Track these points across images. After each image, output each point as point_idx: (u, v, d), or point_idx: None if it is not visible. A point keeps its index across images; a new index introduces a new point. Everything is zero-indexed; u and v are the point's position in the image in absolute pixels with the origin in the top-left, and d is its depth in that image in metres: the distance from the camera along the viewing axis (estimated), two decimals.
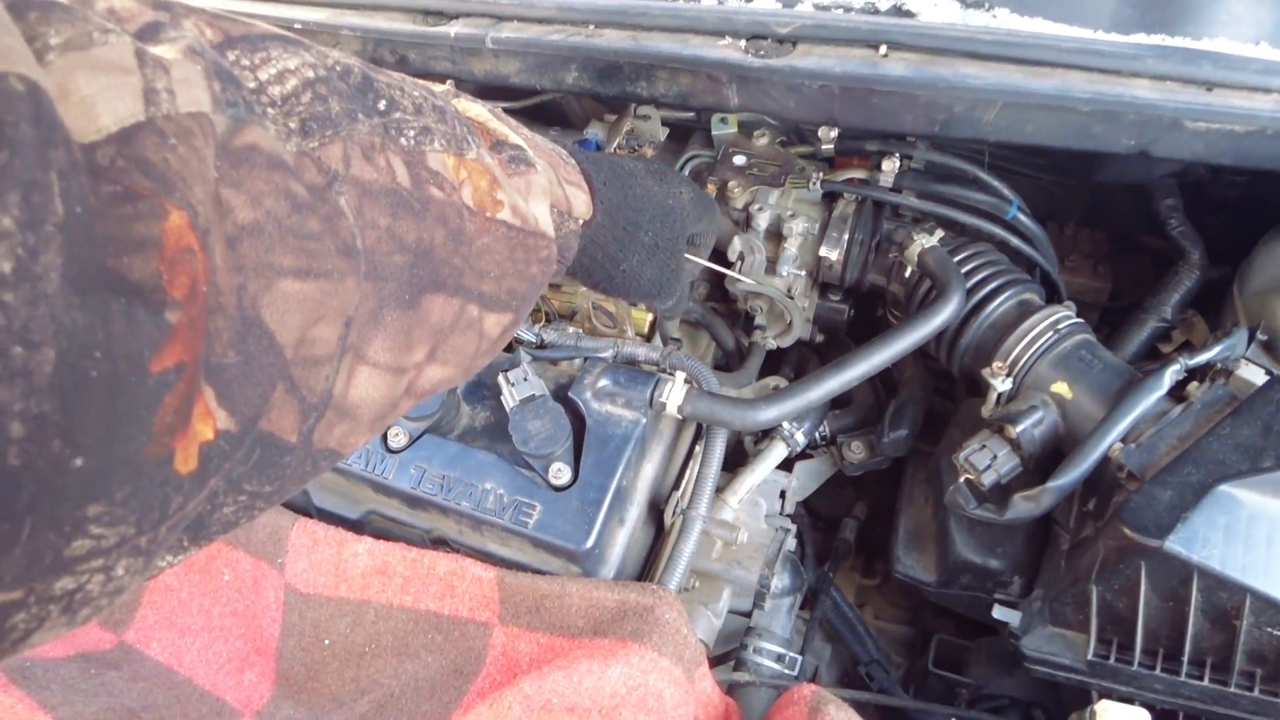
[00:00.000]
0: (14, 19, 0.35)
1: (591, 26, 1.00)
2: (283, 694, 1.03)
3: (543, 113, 1.43)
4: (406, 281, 0.55)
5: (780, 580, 1.12)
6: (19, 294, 0.31)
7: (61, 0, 0.39)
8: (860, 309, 1.29)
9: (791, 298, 1.19)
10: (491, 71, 1.08)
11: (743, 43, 0.95)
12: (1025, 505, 0.99)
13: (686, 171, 1.27)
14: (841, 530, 1.36)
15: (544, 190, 0.72)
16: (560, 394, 1.04)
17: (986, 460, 1.01)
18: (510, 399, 0.99)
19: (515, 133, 0.72)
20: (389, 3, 1.10)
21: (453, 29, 1.06)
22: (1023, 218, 1.16)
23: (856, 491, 1.44)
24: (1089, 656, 0.95)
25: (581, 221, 0.81)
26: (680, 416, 1.02)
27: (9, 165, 0.31)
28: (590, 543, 0.95)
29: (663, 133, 1.30)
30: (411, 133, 0.57)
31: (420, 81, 0.63)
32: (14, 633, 0.37)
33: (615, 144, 1.24)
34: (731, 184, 1.19)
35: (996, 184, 1.15)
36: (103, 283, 0.35)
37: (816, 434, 1.24)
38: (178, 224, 0.39)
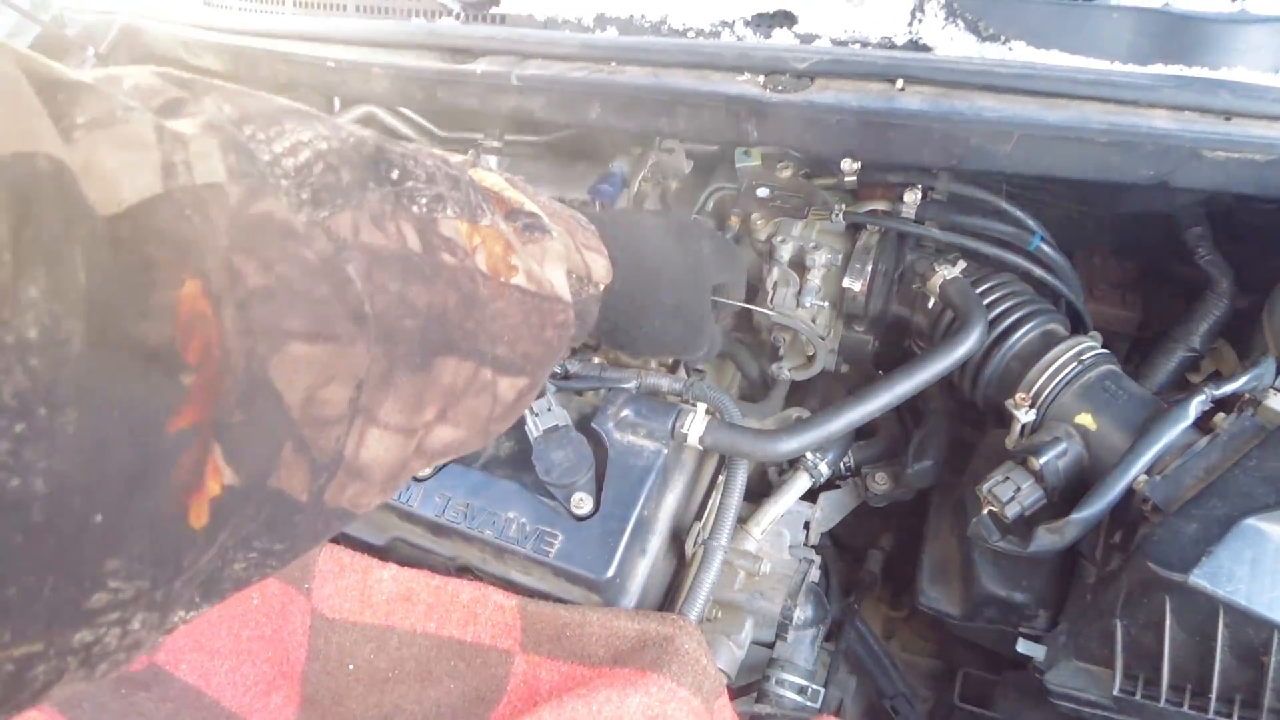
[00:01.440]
0: (44, 101, 0.38)
1: (613, 64, 1.02)
2: (307, 717, 1.04)
3: (569, 146, 1.45)
4: (418, 344, 0.56)
5: (803, 611, 1.12)
6: (44, 358, 0.33)
7: (88, 81, 0.42)
8: (887, 339, 1.29)
9: (816, 328, 1.20)
10: (517, 107, 1.11)
11: (761, 78, 0.97)
12: (1049, 538, 0.98)
13: (710, 204, 1.28)
14: (867, 561, 1.35)
15: (560, 256, 0.73)
16: (584, 424, 1.05)
17: (1010, 492, 1.00)
18: (534, 429, 1.00)
19: (531, 200, 0.74)
20: (418, 42, 1.13)
21: (479, 66, 1.08)
22: (1046, 248, 1.16)
23: (883, 522, 1.44)
24: (1115, 692, 0.94)
25: (602, 286, 0.82)
26: (701, 447, 1.03)
27: (35, 240, 0.33)
28: (611, 572, 0.96)
29: (687, 165, 1.31)
30: (424, 200, 0.58)
31: (436, 151, 0.65)
32: (34, 684, 0.38)
33: (640, 177, 1.26)
34: (755, 216, 1.20)
35: (1019, 214, 1.15)
36: (122, 347, 0.37)
37: (841, 465, 1.24)
38: (191, 291, 0.40)
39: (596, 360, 1.14)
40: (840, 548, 1.43)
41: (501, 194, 0.71)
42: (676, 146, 1.29)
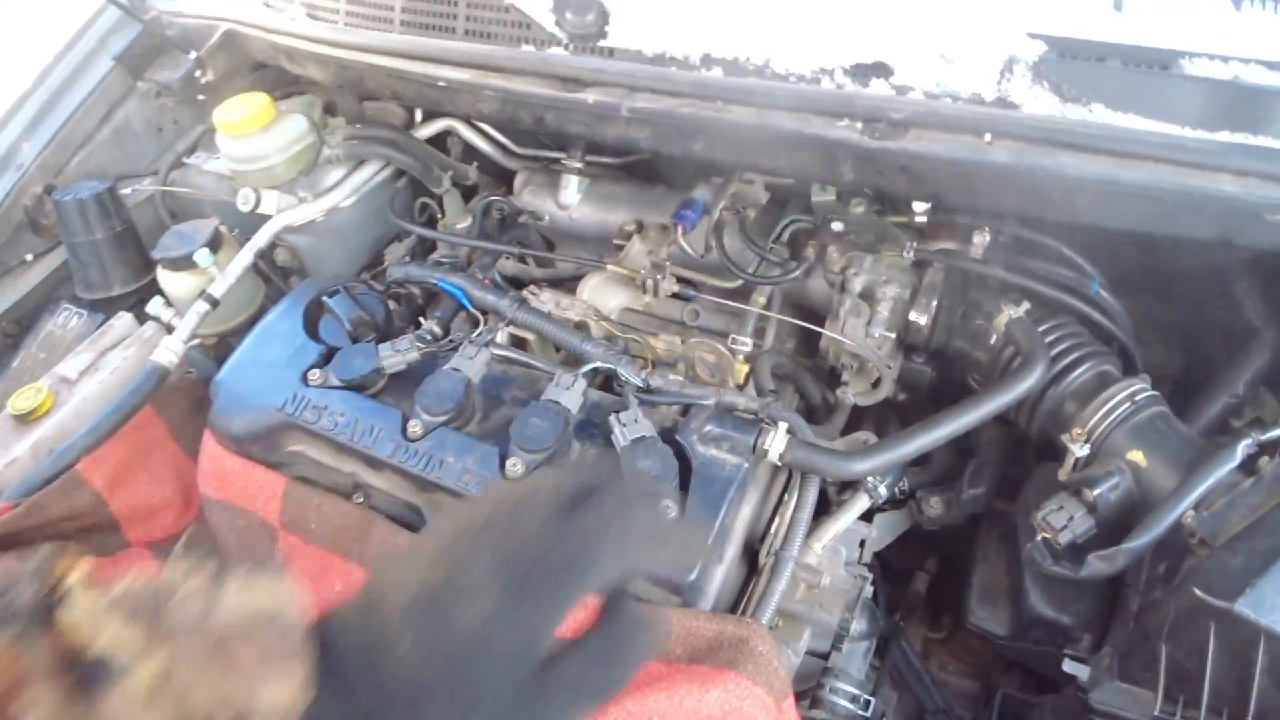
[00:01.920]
0: None
1: (720, 102, 1.09)
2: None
3: (647, 169, 1.52)
4: None
5: (858, 625, 1.18)
6: None
7: None
8: (942, 371, 1.35)
9: (883, 357, 1.26)
10: (623, 136, 1.17)
11: (859, 125, 1.04)
12: (1100, 564, 1.05)
13: (786, 235, 1.35)
14: (913, 582, 1.42)
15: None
16: (665, 436, 1.10)
17: (1063, 521, 1.07)
18: (621, 438, 1.06)
19: (131, 627, 0.50)
20: (531, 69, 1.20)
21: (590, 96, 1.15)
22: (1103, 293, 1.23)
23: (925, 545, 1.50)
24: (1155, 713, 1.00)
25: (295, 708, 0.51)
26: (780, 464, 1.09)
27: None
28: (694, 576, 1.02)
29: (764, 196, 1.38)
30: None
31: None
32: None
33: (720, 207, 1.33)
34: (830, 249, 1.27)
35: (1080, 260, 1.23)
36: None
37: (896, 488, 1.30)
38: None
39: (673, 376, 1.20)
40: (884, 568, 1.49)
41: (69, 635, 0.49)
42: (756, 178, 1.36)
